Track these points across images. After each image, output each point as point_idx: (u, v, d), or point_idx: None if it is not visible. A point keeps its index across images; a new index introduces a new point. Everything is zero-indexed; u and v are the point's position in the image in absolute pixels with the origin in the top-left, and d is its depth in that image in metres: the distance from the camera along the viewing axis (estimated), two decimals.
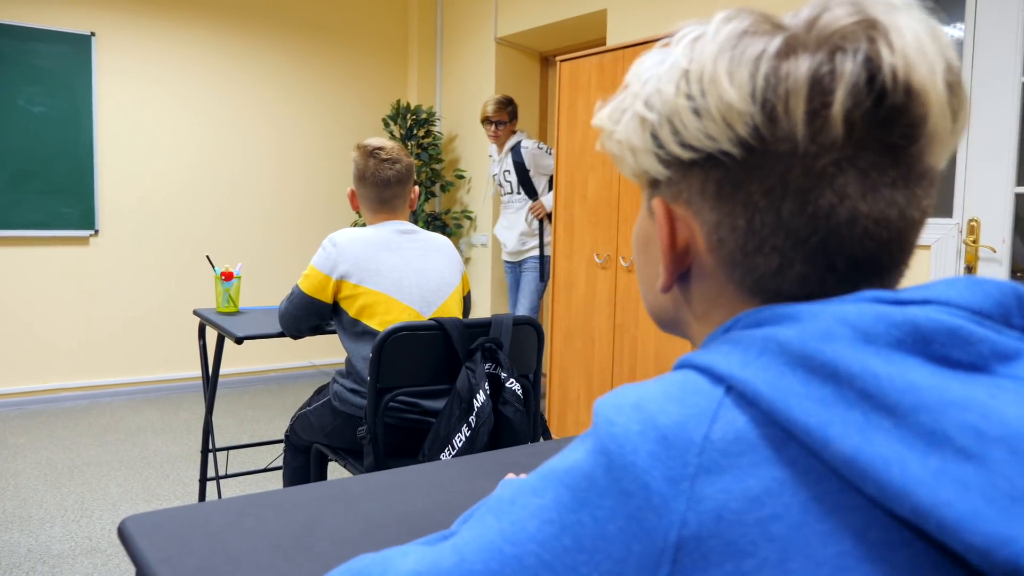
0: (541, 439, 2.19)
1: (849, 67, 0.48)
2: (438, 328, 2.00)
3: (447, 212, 5.52)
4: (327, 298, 2.14)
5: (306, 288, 2.16)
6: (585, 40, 4.98)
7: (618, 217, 3.44)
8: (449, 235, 5.38)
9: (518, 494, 0.49)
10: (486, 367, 1.99)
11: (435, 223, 5.39)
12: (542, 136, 5.46)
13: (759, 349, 0.47)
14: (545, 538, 0.46)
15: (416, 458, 2.06)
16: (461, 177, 5.48)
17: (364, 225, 2.40)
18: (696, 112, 0.52)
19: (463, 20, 5.49)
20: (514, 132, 4.39)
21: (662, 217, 0.56)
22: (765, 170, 0.50)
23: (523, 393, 2.02)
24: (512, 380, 1.99)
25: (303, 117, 5.39)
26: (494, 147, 4.49)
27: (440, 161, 5.42)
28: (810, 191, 0.50)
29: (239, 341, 2.30)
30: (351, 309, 2.13)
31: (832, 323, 0.46)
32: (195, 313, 2.74)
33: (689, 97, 0.52)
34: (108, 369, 4.81)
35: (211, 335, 4.71)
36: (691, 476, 0.43)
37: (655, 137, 0.55)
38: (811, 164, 0.49)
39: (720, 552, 0.42)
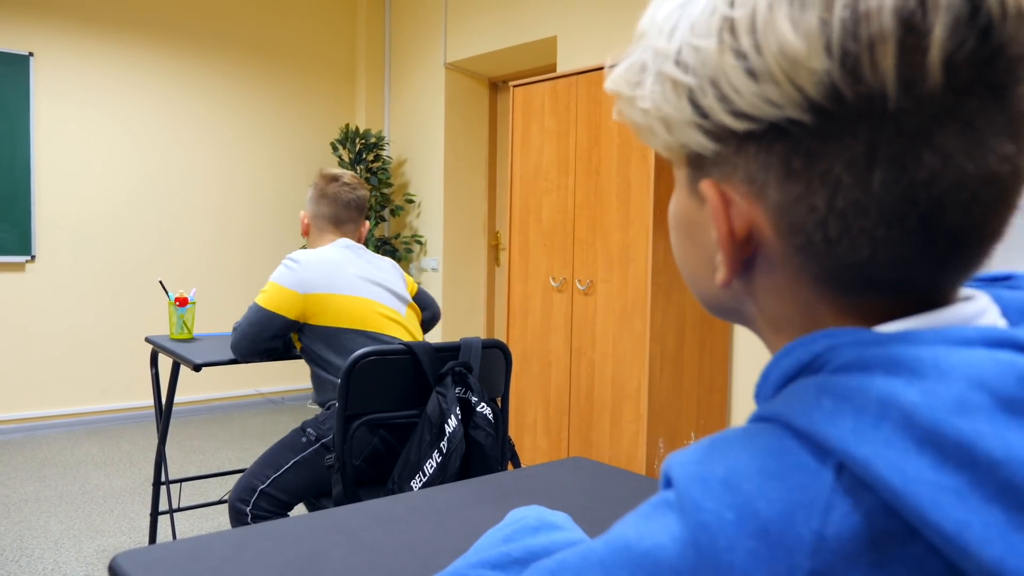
0: (510, 464, 2.17)
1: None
2: (407, 352, 1.98)
3: (397, 236, 5.49)
4: (291, 314, 2.15)
5: (267, 304, 2.15)
6: (535, 66, 5.04)
7: (573, 240, 3.46)
8: (399, 259, 5.34)
9: (584, 566, 0.43)
10: (456, 391, 1.97)
11: (385, 247, 5.35)
12: (491, 160, 5.49)
13: (875, 415, 0.38)
14: None
15: (384, 485, 2.03)
16: (411, 201, 5.46)
17: (302, 248, 2.41)
18: (750, 73, 0.42)
19: (411, 45, 5.50)
20: None
21: (718, 206, 0.46)
22: (847, 137, 0.41)
23: (493, 417, 2.01)
24: (483, 404, 1.98)
25: (250, 141, 5.31)
26: None
27: (389, 185, 5.39)
28: (905, 156, 0.40)
29: (197, 368, 2.24)
30: (327, 318, 2.16)
31: (966, 387, 0.38)
32: (148, 340, 2.66)
33: (739, 54, 0.42)
34: (45, 400, 4.62)
35: (163, 363, 4.57)
36: None
37: (695, 105, 0.45)
38: (904, 123, 0.40)
39: None
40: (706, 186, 0.47)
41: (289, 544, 0.90)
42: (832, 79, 0.40)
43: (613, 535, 0.43)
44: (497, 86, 5.50)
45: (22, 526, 3.17)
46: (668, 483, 0.43)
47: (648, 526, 0.42)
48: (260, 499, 2.08)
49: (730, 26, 0.42)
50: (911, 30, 0.39)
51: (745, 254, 0.47)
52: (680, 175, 0.51)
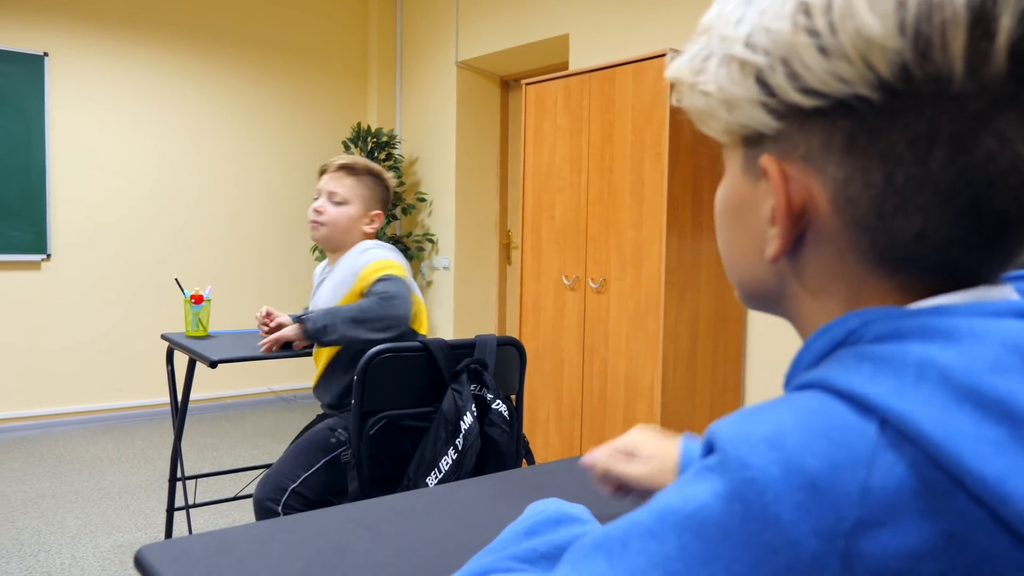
0: (524, 462, 2.18)
1: None
2: (423, 349, 1.98)
3: (408, 235, 5.50)
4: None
5: (403, 275, 2.15)
6: (546, 64, 5.04)
7: (586, 238, 3.46)
8: (411, 258, 5.36)
9: (630, 535, 0.43)
10: (472, 388, 1.98)
11: (397, 246, 5.36)
12: (503, 159, 5.49)
13: (915, 375, 0.40)
14: None
15: (400, 482, 2.04)
16: (423, 200, 5.47)
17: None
18: (822, 50, 0.43)
19: (423, 44, 5.51)
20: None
21: (777, 179, 0.47)
22: (911, 116, 0.43)
23: (508, 415, 2.01)
24: (498, 401, 1.99)
25: (263, 139, 5.33)
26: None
27: (402, 184, 5.40)
28: (966, 138, 0.42)
29: (213, 365, 2.25)
30: (416, 321, 2.22)
31: (1000, 350, 0.40)
32: (163, 337, 2.68)
33: (812, 33, 0.44)
34: (60, 397, 4.65)
35: (179, 360, 4.60)
36: (847, 532, 0.38)
37: (763, 84, 0.47)
38: (967, 105, 0.42)
39: None
40: (766, 160, 0.48)
41: (313, 537, 0.90)
42: (903, 59, 0.42)
43: (656, 504, 0.44)
44: (509, 84, 5.51)
45: (40, 521, 3.20)
46: (709, 451, 0.44)
47: (692, 489, 0.42)
48: (291, 498, 2.09)
49: (805, 8, 0.44)
50: (981, 17, 0.41)
51: (799, 229, 0.49)
52: (733, 158, 0.53)
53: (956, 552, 0.38)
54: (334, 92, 5.64)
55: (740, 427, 0.42)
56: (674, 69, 0.53)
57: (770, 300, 0.55)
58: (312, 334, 2.06)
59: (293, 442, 2.24)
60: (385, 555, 0.86)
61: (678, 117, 3.09)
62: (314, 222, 2.30)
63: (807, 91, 0.45)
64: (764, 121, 0.48)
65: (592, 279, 3.45)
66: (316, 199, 2.33)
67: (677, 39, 3.75)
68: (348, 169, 2.31)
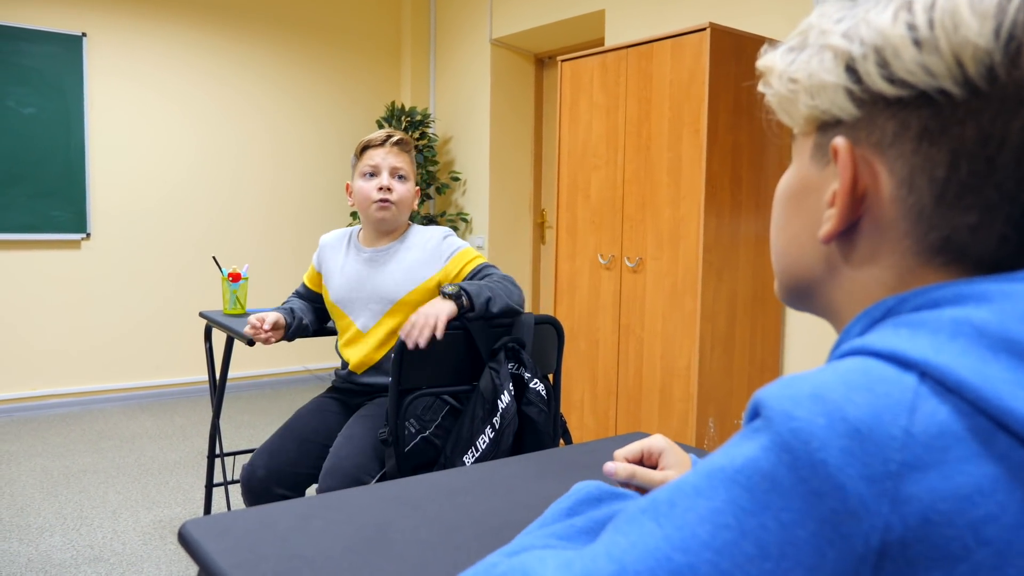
0: (561, 442, 2.16)
1: None
2: (461, 328, 1.97)
3: (442, 214, 5.49)
4: None
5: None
6: (582, 41, 4.97)
7: (622, 217, 3.42)
8: None
9: (678, 495, 0.44)
10: (509, 367, 1.96)
11: (431, 225, 5.35)
12: (537, 137, 5.45)
13: (951, 332, 0.42)
14: (722, 545, 0.41)
15: (437, 461, 2.03)
16: (456, 179, 5.45)
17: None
18: (917, 43, 0.46)
19: (457, 21, 5.46)
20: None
21: (847, 158, 0.50)
22: (987, 115, 0.45)
23: (545, 393, 1.99)
24: (536, 380, 1.97)
25: (298, 118, 5.34)
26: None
27: (435, 163, 5.39)
28: None
29: (251, 343, 2.26)
30: None
31: None
32: (202, 315, 2.69)
33: (911, 27, 0.46)
34: (101, 375, 4.73)
35: (217, 337, 4.65)
36: (894, 474, 0.39)
37: (852, 71, 0.49)
38: None
39: (928, 558, 0.38)
40: (841, 141, 0.50)
41: (355, 514, 0.89)
42: (993, 60, 0.44)
43: (702, 466, 0.45)
44: (543, 62, 5.45)
45: (81, 496, 3.25)
46: (754, 416, 0.45)
47: (738, 449, 0.44)
48: None
49: (908, 5, 0.47)
50: None
51: (856, 213, 0.51)
52: (805, 144, 0.55)
53: (1005, 494, 0.39)
54: (368, 71, 5.63)
55: (784, 388, 0.44)
56: (767, 59, 0.56)
57: (813, 291, 0.57)
58: (480, 305, 1.93)
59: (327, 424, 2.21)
60: (430, 532, 0.85)
61: (717, 93, 3.03)
62: (385, 201, 2.13)
63: (894, 80, 0.47)
64: (846, 107, 0.50)
65: (628, 258, 3.41)
66: (371, 176, 2.17)
67: (717, 13, 3.68)
68: (404, 144, 2.21)
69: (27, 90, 4.37)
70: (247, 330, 2.17)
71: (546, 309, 5.42)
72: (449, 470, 1.05)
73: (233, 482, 2.74)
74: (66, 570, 2.59)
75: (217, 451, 2.71)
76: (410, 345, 1.85)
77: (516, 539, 0.68)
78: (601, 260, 3.54)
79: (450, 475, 1.03)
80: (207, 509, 2.84)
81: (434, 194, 5.51)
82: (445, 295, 1.93)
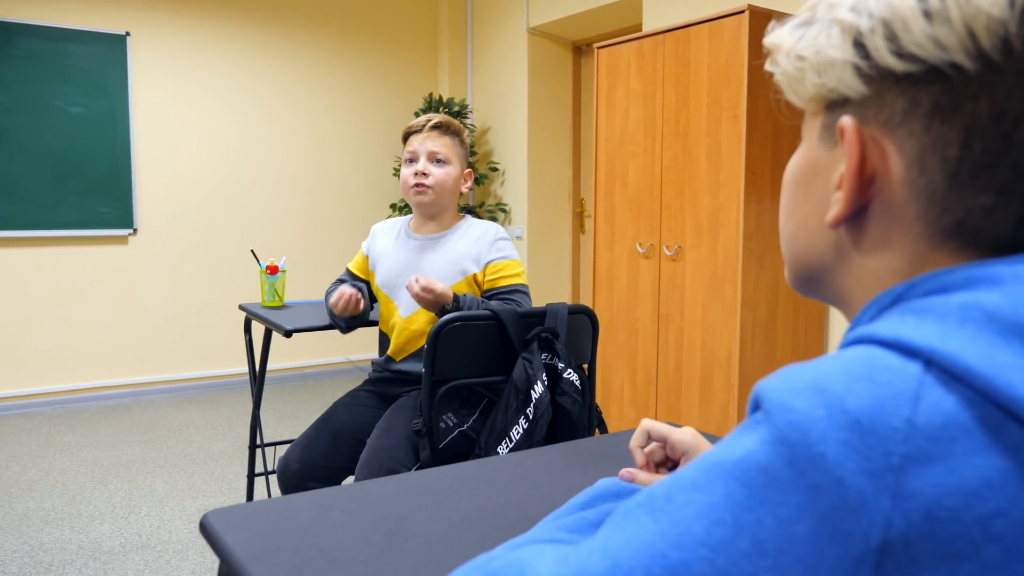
0: (596, 432, 2.14)
1: None
2: (493, 318, 1.96)
3: (481, 205, 5.49)
4: None
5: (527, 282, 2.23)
6: (619, 28, 4.91)
7: (660, 205, 3.38)
8: None
9: (675, 490, 0.43)
10: (543, 357, 1.94)
11: (470, 215, 5.35)
12: (575, 126, 5.40)
13: (959, 318, 0.40)
14: (718, 541, 0.40)
15: (472, 452, 2.03)
16: (495, 170, 5.44)
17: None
18: (927, 14, 0.43)
19: (493, 11, 5.44)
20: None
21: (854, 138, 0.47)
22: (1002, 90, 0.42)
23: (580, 384, 1.97)
24: (570, 371, 1.95)
25: (337, 112, 5.38)
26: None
27: (474, 154, 5.38)
28: None
29: (288, 334, 2.28)
30: None
31: None
32: (241, 308, 2.73)
33: None
34: (149, 367, 4.84)
35: (256, 330, 4.72)
36: (895, 468, 0.37)
37: (860, 46, 0.47)
38: None
39: (932, 555, 0.36)
40: (848, 120, 0.48)
41: (375, 505, 0.89)
42: (1007, 31, 0.41)
43: (701, 460, 0.44)
44: (581, 50, 5.40)
45: (130, 485, 3.33)
46: (756, 408, 0.44)
47: (737, 442, 0.42)
48: None
49: None
50: None
51: (865, 196, 0.48)
52: (813, 125, 0.53)
53: (1015, 487, 0.36)
54: (406, 63, 5.64)
55: (784, 380, 0.42)
56: (774, 36, 0.53)
57: (822, 277, 0.54)
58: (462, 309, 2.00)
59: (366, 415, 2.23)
60: (448, 524, 0.84)
61: (757, 77, 2.97)
62: (420, 185, 2.12)
63: (902, 55, 0.45)
64: (853, 84, 0.48)
65: (667, 246, 3.36)
66: (410, 162, 2.16)
67: None
68: (443, 128, 2.18)
69: (74, 90, 4.47)
70: (338, 302, 2.13)
71: (585, 299, 5.39)
72: (473, 461, 1.04)
73: (273, 472, 2.77)
74: (114, 557, 2.66)
75: (258, 442, 2.74)
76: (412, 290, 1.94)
77: (529, 532, 0.67)
78: (640, 249, 3.50)
79: (474, 466, 1.02)
80: (249, 499, 2.88)
81: (473, 185, 5.51)
82: (452, 305, 2.00)
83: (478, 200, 5.63)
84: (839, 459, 0.38)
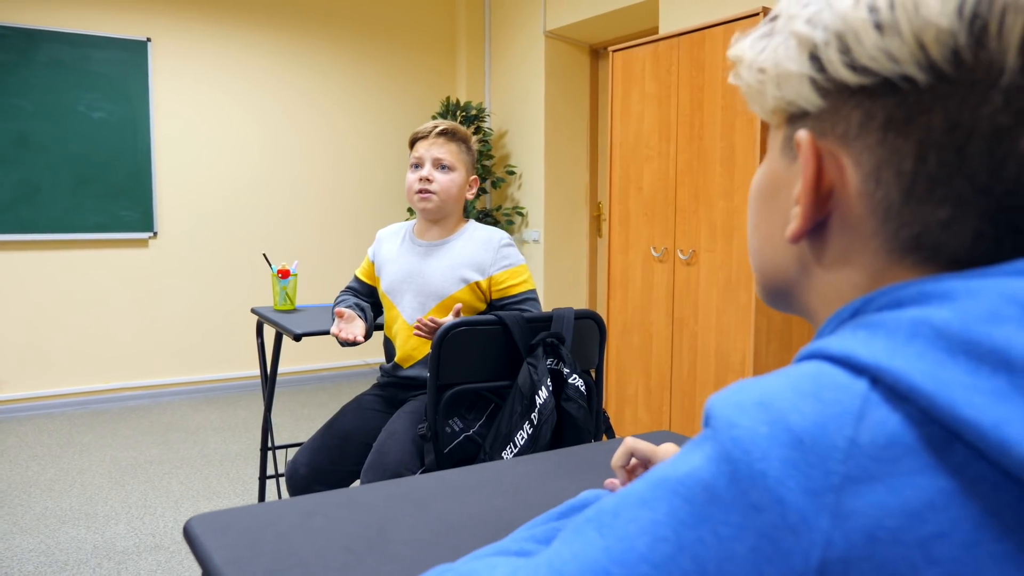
0: (604, 437, 2.13)
1: None
2: (498, 323, 1.95)
3: (498, 208, 5.49)
4: None
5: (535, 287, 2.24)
6: (636, 31, 4.89)
7: (675, 209, 3.36)
8: None
9: (623, 505, 0.43)
10: (548, 363, 1.94)
11: (487, 219, 5.36)
12: (592, 129, 5.39)
13: (908, 333, 0.39)
14: (660, 559, 0.39)
15: (477, 456, 2.02)
16: (512, 173, 5.44)
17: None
18: (878, 26, 0.43)
19: (511, 14, 5.44)
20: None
21: (809, 152, 0.47)
22: (954, 102, 0.41)
23: (586, 389, 1.96)
24: (575, 376, 1.94)
25: (356, 116, 5.41)
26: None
27: (491, 157, 5.38)
28: (1007, 131, 0.41)
29: (297, 338, 2.29)
30: None
31: (998, 301, 0.38)
32: (253, 311, 2.75)
33: (872, 10, 0.43)
34: (168, 369, 4.89)
35: (268, 333, 4.75)
36: (835, 487, 0.36)
37: (815, 59, 0.46)
38: (1013, 99, 0.40)
39: None
40: (803, 135, 0.47)
41: (358, 512, 0.89)
42: (957, 42, 0.41)
43: (649, 475, 0.44)
44: (598, 53, 5.39)
45: (147, 486, 3.36)
46: (707, 423, 0.44)
47: (683, 458, 0.42)
48: None
49: None
50: None
51: (823, 211, 0.48)
52: (776, 138, 0.53)
53: (957, 509, 0.36)
54: (423, 67, 5.66)
55: (731, 395, 0.42)
56: (737, 48, 0.53)
57: (789, 292, 0.54)
58: None
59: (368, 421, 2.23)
60: (428, 532, 0.84)
61: None
62: (424, 191, 2.13)
63: (856, 67, 0.44)
64: (809, 98, 0.47)
65: (681, 251, 3.34)
66: (416, 168, 2.17)
67: None
68: (450, 134, 2.18)
69: (96, 95, 4.53)
70: (341, 334, 2.15)
71: (602, 303, 5.37)
72: (462, 468, 1.04)
73: (283, 475, 2.79)
74: (129, 557, 2.68)
75: (270, 444, 2.76)
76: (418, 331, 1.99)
77: (500, 540, 0.67)
78: (654, 253, 3.48)
79: (463, 472, 1.02)
80: (260, 501, 2.90)
81: (490, 188, 5.51)
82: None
83: (495, 204, 5.64)
84: (780, 477, 0.37)
